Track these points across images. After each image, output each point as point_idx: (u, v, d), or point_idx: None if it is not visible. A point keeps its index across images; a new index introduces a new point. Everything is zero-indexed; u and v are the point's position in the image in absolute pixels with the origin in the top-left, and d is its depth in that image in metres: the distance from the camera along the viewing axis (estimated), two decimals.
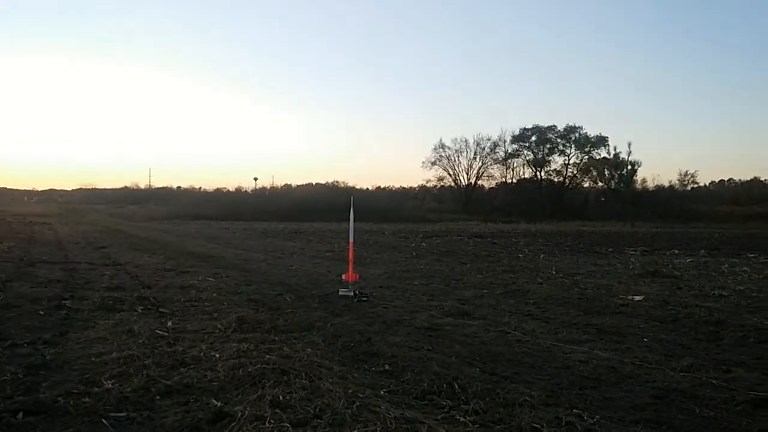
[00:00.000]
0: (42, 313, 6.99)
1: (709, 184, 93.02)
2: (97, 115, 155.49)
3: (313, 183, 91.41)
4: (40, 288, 8.99)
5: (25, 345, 5.36)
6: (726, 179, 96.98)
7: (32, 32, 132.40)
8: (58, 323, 6.40)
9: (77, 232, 27.13)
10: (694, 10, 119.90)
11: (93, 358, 4.86)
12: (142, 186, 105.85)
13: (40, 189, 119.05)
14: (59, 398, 3.85)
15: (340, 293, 9.00)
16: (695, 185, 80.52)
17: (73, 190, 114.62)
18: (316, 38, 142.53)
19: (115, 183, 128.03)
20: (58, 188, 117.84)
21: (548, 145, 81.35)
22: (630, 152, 76.88)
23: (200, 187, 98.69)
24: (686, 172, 77.95)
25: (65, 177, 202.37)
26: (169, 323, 6.43)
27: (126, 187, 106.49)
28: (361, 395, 3.94)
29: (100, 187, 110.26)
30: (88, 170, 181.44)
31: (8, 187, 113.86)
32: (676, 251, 19.59)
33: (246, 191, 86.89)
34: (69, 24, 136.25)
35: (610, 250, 20.19)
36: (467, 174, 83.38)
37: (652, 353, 5.59)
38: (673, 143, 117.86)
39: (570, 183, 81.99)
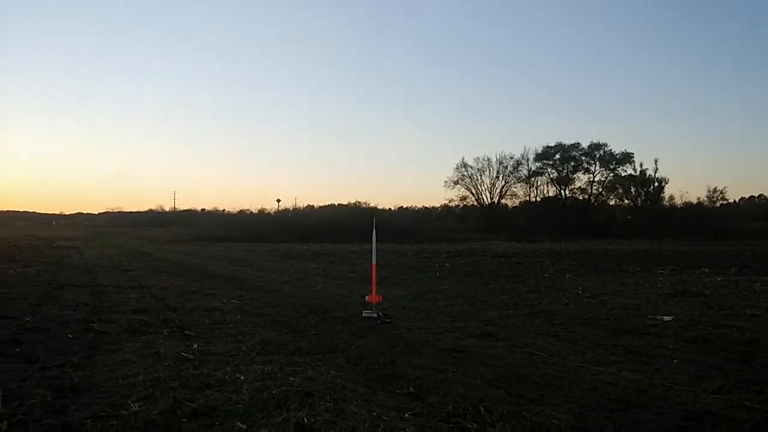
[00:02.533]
0: (70, 336, 7.08)
1: (739, 200, 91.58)
2: (122, 139, 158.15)
3: (335, 204, 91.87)
4: (69, 311, 9.11)
5: (54, 368, 5.43)
6: (756, 195, 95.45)
7: (58, 56, 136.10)
8: (86, 346, 6.47)
9: (104, 256, 27.48)
10: (720, 24, 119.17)
11: (120, 381, 4.91)
12: (167, 209, 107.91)
13: (67, 213, 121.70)
14: (87, 421, 3.89)
15: (363, 315, 8.98)
16: (724, 202, 79.40)
17: (99, 213, 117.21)
18: (337, 60, 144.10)
19: (140, 206, 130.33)
20: (85, 212, 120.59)
21: (572, 163, 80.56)
22: (657, 169, 76.18)
23: (224, 209, 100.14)
24: (715, 188, 77.04)
25: (92, 201, 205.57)
26: (195, 345, 6.47)
27: (151, 210, 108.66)
28: (386, 418, 3.91)
29: (126, 210, 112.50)
30: (114, 194, 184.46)
31: (36, 211, 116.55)
32: (706, 270, 19.23)
33: (269, 213, 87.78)
34: (92, 46, 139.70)
35: (638, 269, 19.89)
36: (490, 193, 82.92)
37: (683, 374, 5.48)
38: (701, 159, 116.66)
39: (595, 201, 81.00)
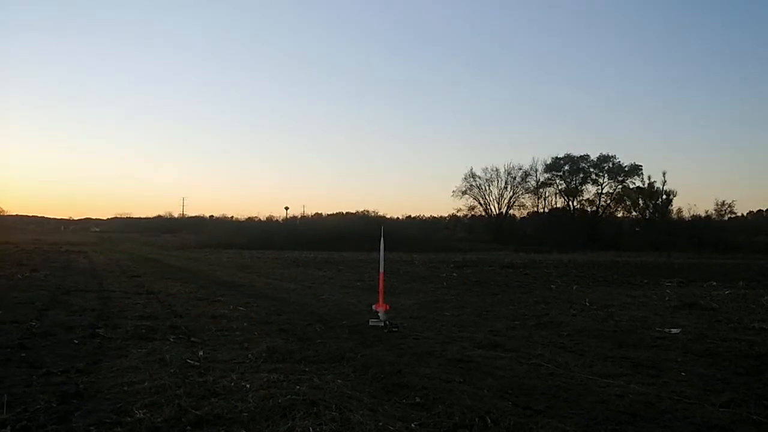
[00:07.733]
0: (76, 341, 7.08)
1: (747, 213, 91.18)
2: (132, 145, 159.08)
3: (344, 212, 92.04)
4: (75, 316, 9.13)
5: (59, 373, 5.43)
6: (764, 209, 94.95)
7: (65, 60, 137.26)
8: (92, 352, 6.47)
9: (111, 261, 27.57)
10: (729, 37, 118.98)
11: (125, 387, 4.90)
12: (176, 215, 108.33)
13: (76, 218, 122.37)
14: (91, 428, 3.88)
15: (370, 324, 8.95)
16: (732, 215, 79.15)
17: (108, 219, 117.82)
18: (347, 68, 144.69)
19: (149, 212, 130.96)
20: (94, 217, 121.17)
21: (581, 175, 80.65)
22: (665, 181, 76.14)
23: (232, 216, 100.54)
24: (723, 201, 76.85)
25: (101, 206, 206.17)
26: (201, 353, 6.46)
27: (160, 216, 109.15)
28: (392, 428, 3.89)
29: (134, 216, 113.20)
30: (123, 199, 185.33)
31: (45, 216, 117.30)
32: (714, 283, 19.12)
33: (277, 220, 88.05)
34: (99, 50, 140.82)
35: (645, 281, 19.79)
36: (498, 203, 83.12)
37: (691, 388, 5.43)
38: (709, 172, 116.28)
39: (603, 213, 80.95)
